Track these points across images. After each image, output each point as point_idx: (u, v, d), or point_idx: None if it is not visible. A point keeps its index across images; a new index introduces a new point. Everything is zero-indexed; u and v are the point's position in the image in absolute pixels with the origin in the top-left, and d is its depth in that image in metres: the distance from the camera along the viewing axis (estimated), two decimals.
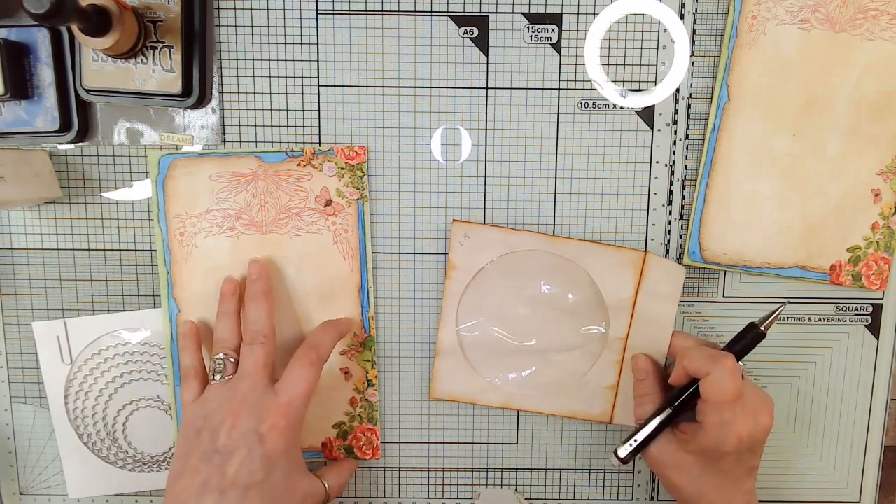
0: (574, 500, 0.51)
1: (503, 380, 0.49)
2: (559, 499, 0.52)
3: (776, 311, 0.44)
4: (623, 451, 0.45)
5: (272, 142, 0.47)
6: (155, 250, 0.48)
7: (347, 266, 0.48)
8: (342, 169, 0.47)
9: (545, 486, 0.51)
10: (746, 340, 0.44)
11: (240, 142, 0.47)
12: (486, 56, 0.46)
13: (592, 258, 0.47)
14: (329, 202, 0.47)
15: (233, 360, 0.43)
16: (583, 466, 0.51)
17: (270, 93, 0.47)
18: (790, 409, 0.51)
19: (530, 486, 0.51)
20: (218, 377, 0.43)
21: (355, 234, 0.47)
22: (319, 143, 0.47)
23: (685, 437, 0.43)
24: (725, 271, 0.49)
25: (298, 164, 0.47)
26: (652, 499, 0.52)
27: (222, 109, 0.47)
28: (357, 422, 0.50)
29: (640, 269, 0.47)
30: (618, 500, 0.52)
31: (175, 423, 0.49)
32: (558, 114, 0.47)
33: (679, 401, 0.44)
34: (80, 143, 0.47)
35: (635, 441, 0.44)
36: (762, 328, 0.44)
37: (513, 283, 0.48)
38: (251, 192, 0.47)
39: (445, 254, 0.48)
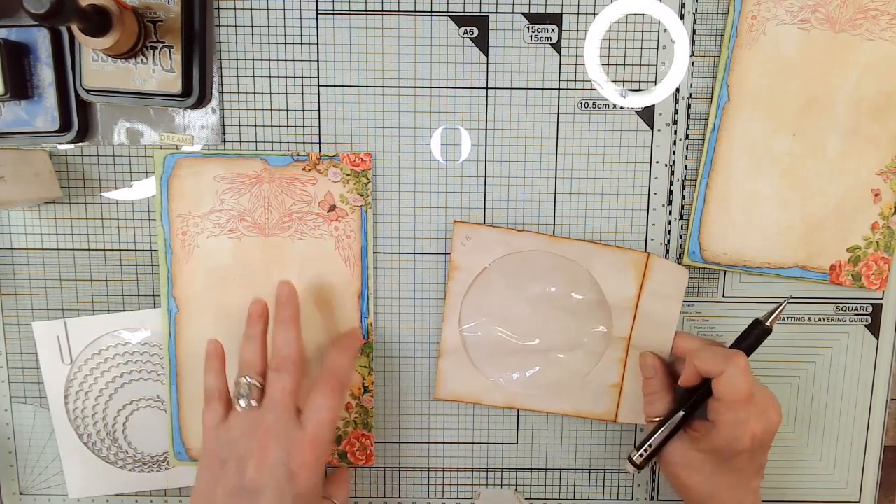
0: (574, 500, 0.51)
1: (507, 379, 0.49)
2: (559, 499, 0.52)
3: (780, 305, 0.44)
4: (638, 457, 0.45)
5: (272, 142, 0.47)
6: (155, 250, 0.48)
7: (348, 272, 0.48)
8: (347, 175, 0.47)
9: (545, 486, 0.51)
10: (753, 337, 0.44)
11: (240, 142, 0.47)
12: (486, 56, 0.46)
13: (594, 259, 0.47)
14: (332, 207, 0.47)
15: (258, 385, 0.42)
16: (583, 466, 0.51)
17: (270, 93, 0.47)
18: (790, 409, 0.51)
19: (530, 486, 0.51)
20: (243, 402, 0.41)
21: (357, 241, 0.47)
22: (320, 143, 0.47)
23: (697, 436, 0.43)
24: (725, 271, 0.49)
25: (303, 169, 0.47)
26: (652, 499, 0.52)
27: (222, 109, 0.47)
28: (352, 427, 0.50)
29: (643, 270, 0.47)
30: (618, 500, 0.52)
31: (171, 421, 0.49)
32: (558, 114, 0.47)
33: (692, 401, 0.43)
34: (80, 143, 0.47)
35: (650, 446, 0.44)
36: (768, 324, 0.44)
37: (515, 283, 0.48)
38: (255, 195, 0.47)
39: (446, 254, 0.48)
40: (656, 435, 0.44)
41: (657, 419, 0.45)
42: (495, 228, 0.47)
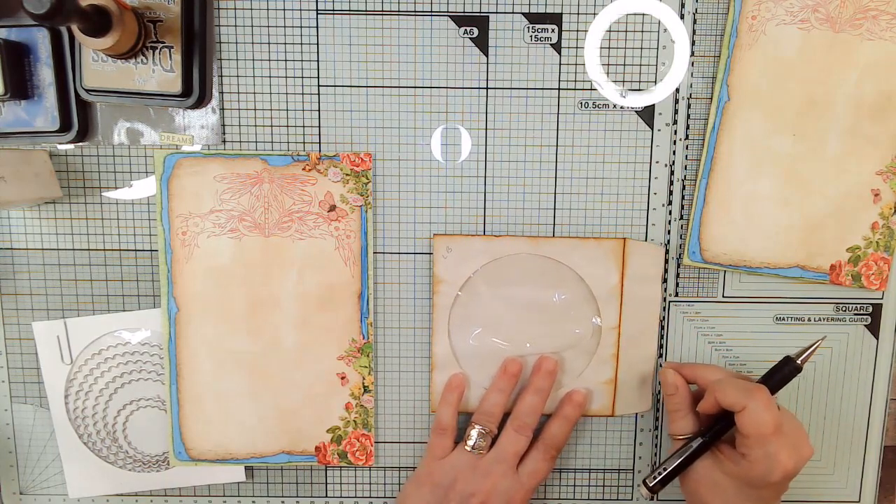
0: (574, 499, 0.51)
1: None
2: (559, 499, 0.52)
3: (814, 345, 0.43)
4: (653, 480, 0.44)
5: (272, 142, 0.47)
6: (155, 250, 0.48)
7: (348, 272, 0.48)
8: (347, 175, 0.47)
9: (545, 486, 0.51)
10: (782, 374, 0.43)
11: (240, 142, 0.47)
12: (486, 56, 0.46)
13: (575, 254, 0.47)
14: (333, 207, 0.47)
15: (493, 435, 0.46)
16: (583, 466, 0.51)
17: (270, 93, 0.47)
18: (790, 409, 0.51)
19: None
20: (472, 444, 0.46)
21: (357, 241, 0.47)
22: (320, 143, 0.47)
23: (723, 458, 0.42)
24: (725, 271, 0.49)
25: (303, 169, 0.47)
26: (652, 499, 0.52)
27: (222, 109, 0.47)
28: (352, 427, 0.50)
29: (622, 255, 0.47)
30: (618, 500, 0.52)
31: (171, 421, 0.49)
32: (558, 114, 0.47)
33: (713, 430, 0.43)
34: (80, 143, 0.47)
35: (664, 470, 0.44)
36: (798, 362, 0.43)
37: (501, 290, 0.48)
38: (255, 195, 0.47)
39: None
40: (672, 458, 0.44)
41: (681, 437, 0.45)
42: (475, 237, 0.47)
